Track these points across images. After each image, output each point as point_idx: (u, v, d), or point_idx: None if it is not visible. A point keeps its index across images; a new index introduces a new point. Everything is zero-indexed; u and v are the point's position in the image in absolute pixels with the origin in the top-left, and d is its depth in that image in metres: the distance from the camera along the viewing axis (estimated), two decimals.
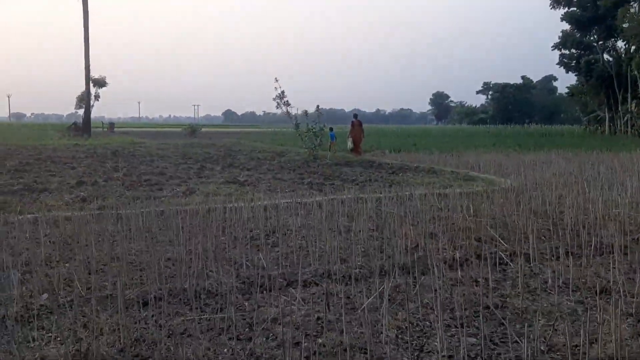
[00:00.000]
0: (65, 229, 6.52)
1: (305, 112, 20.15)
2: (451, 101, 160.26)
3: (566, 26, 53.39)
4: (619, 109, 48.52)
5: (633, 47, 45.30)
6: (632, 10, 39.84)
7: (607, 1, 44.50)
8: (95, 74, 47.62)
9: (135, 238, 6.12)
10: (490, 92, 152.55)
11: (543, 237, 6.30)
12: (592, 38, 50.91)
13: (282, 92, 18.85)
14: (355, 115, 23.00)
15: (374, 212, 7.74)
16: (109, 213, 7.49)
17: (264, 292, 4.46)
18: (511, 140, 35.58)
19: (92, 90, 48.65)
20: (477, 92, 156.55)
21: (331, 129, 31.40)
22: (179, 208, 7.93)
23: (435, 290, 4.31)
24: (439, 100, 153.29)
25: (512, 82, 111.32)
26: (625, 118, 46.92)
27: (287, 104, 19.18)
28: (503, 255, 5.44)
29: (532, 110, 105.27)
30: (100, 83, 49.68)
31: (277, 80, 18.56)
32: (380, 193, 9.76)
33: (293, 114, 19.89)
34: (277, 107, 19.41)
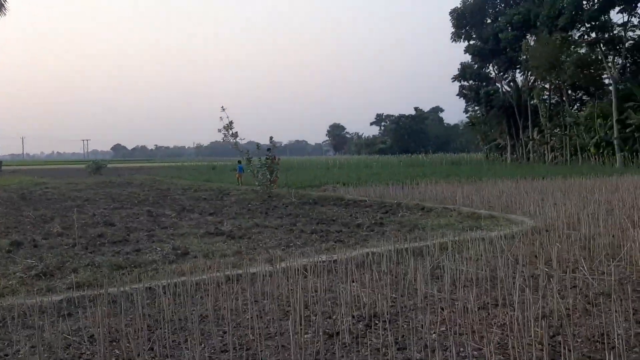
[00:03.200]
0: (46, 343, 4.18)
1: (257, 145, 18.17)
2: (347, 132, 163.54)
3: (463, 58, 55.80)
4: (520, 136, 50.91)
5: (532, 78, 47.89)
6: (531, 43, 41.99)
7: (507, 35, 46.78)
8: None
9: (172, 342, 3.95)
10: (383, 123, 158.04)
11: None
12: (493, 69, 53.31)
13: (231, 122, 16.73)
14: (269, 149, 21.91)
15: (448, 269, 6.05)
16: (101, 297, 5.16)
17: None
18: (428, 169, 35.68)
19: None
20: (371, 124, 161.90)
21: (240, 162, 30.20)
22: (198, 279, 5.77)
23: None
24: (336, 132, 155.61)
25: (405, 114, 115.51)
26: (528, 146, 49.22)
27: (235, 135, 17.06)
28: None
29: (426, 140, 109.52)
30: None
31: (224, 109, 16.45)
32: (406, 240, 8.11)
33: (240, 144, 17.77)
34: (224, 139, 17.18)
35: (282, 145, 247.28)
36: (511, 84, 53.06)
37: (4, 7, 39.47)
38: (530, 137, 49.18)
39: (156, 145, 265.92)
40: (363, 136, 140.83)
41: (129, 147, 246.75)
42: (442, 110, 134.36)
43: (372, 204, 13.88)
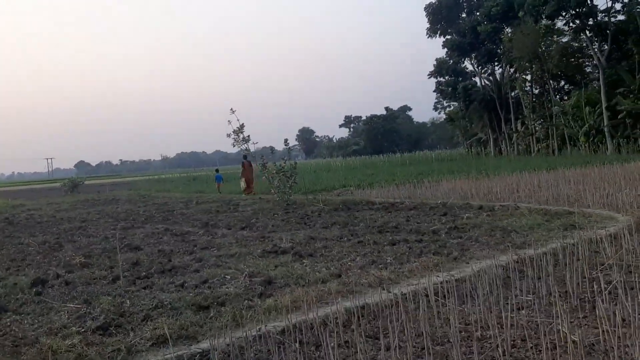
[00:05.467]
0: None
1: (272, 149, 16.65)
2: (316, 136, 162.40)
3: (430, 55, 55.24)
4: (503, 129, 50.47)
5: (512, 70, 47.50)
6: (516, 34, 41.45)
7: (486, 27, 46.26)
8: None
9: None
10: (352, 125, 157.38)
11: None
12: (471, 64, 52.80)
13: (242, 125, 15.10)
14: (245, 157, 21.74)
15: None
16: (212, 353, 3.69)
17: None
18: (423, 167, 34.63)
19: None
20: (340, 126, 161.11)
21: (217, 171, 29.06)
22: (319, 316, 4.32)
23: None
24: (306, 136, 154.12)
25: (376, 114, 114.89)
26: (513, 139, 48.77)
27: (247, 139, 15.45)
28: None
29: (399, 139, 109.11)
30: None
31: (233, 112, 14.80)
32: (518, 247, 6.80)
33: (252, 150, 16.17)
34: (234, 145, 15.56)
35: (252, 151, 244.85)
36: (490, 77, 52.66)
37: None
38: (514, 130, 48.79)
39: (121, 160, 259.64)
40: (334, 139, 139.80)
41: (93, 164, 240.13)
42: (410, 109, 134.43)
43: (413, 206, 12.53)
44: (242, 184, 22.20)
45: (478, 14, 50.34)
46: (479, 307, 4.39)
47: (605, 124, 36.32)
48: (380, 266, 6.44)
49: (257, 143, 16.04)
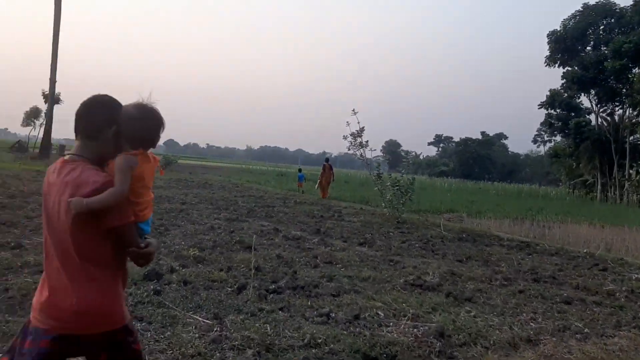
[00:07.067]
0: None
1: (388, 159, 15.47)
2: (402, 150, 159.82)
3: (529, 87, 51.82)
4: (614, 175, 46.55)
5: (636, 113, 43.70)
6: None
7: (614, 63, 42.77)
8: (45, 89, 41.03)
9: None
10: (441, 145, 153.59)
11: None
12: (590, 100, 49.23)
13: (362, 129, 13.88)
14: (327, 159, 22.19)
15: None
16: None
17: None
18: (522, 202, 32.08)
19: (44, 107, 42.13)
20: (429, 144, 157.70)
21: (300, 170, 28.44)
22: None
23: None
24: (392, 148, 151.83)
25: (470, 137, 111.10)
26: (625, 186, 44.84)
27: (365, 144, 14.22)
28: None
29: (492, 167, 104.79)
30: (54, 100, 42.61)
31: (355, 113, 13.57)
32: None
33: (370, 158, 14.96)
34: (349, 148, 14.36)
35: (332, 156, 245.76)
36: (608, 117, 48.79)
37: None
38: (627, 177, 44.83)
39: (208, 144, 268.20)
40: (421, 155, 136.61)
41: (182, 144, 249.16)
42: (506, 137, 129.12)
43: (554, 251, 10.77)
44: (318, 186, 21.81)
45: (605, 48, 46.72)
46: None
47: None
48: (577, 336, 4.95)
49: (374, 150, 14.75)
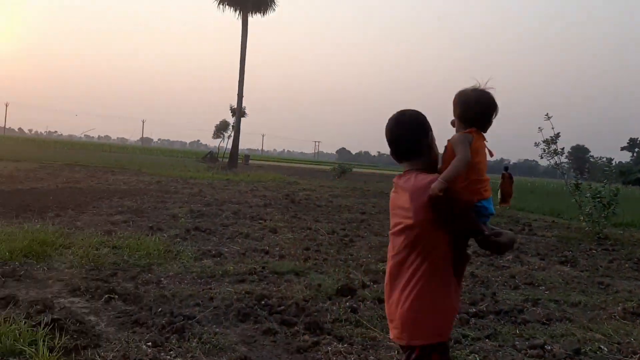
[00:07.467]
0: None
1: (587, 169, 13.96)
2: (591, 156, 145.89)
3: None
4: None
5: None
6: None
7: None
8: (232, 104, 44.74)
9: None
10: (636, 149, 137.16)
11: None
12: None
13: (557, 135, 12.67)
14: (506, 168, 21.83)
15: None
16: None
17: None
18: None
19: (231, 120, 45.81)
20: (622, 149, 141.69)
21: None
22: None
23: None
24: (579, 154, 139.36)
25: None
26: None
27: (560, 152, 12.98)
28: None
29: None
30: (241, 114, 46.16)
31: (548, 118, 12.42)
32: None
33: (565, 167, 13.63)
34: (542, 156, 13.20)
35: (510, 163, 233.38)
36: None
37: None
38: None
39: (379, 152, 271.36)
40: (613, 162, 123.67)
41: (353, 152, 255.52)
42: None
43: None
44: (499, 195, 20.87)
45: None
46: None
47: None
48: None
49: (570, 161, 13.33)
